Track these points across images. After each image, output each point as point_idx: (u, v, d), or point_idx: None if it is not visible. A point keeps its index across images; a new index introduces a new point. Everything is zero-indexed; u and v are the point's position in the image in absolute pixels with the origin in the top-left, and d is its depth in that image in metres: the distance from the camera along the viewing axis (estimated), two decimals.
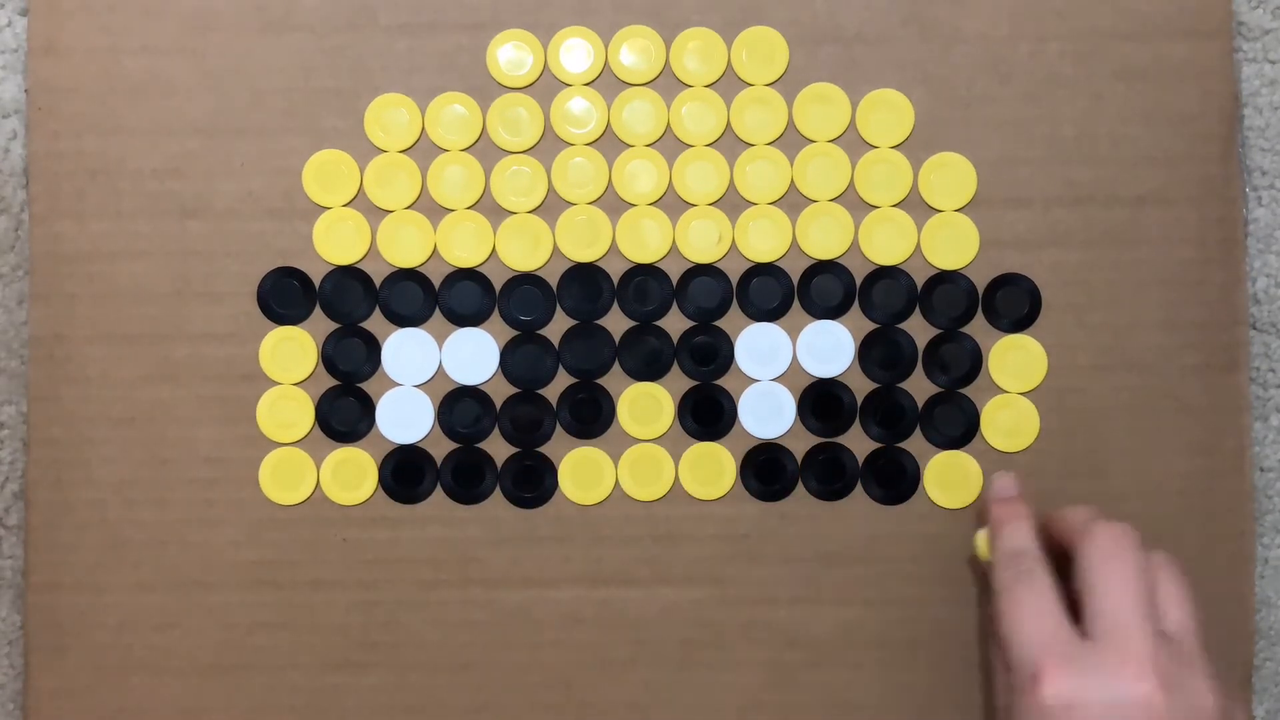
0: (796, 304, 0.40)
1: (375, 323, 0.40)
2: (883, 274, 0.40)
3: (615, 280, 0.40)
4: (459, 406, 0.40)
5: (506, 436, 0.40)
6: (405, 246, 0.40)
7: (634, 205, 0.40)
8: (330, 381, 0.40)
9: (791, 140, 0.40)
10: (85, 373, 0.39)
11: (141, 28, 0.39)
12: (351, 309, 0.40)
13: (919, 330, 0.40)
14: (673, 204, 0.40)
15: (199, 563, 0.40)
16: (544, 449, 0.40)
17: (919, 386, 0.40)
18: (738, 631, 0.40)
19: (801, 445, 0.40)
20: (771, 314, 0.40)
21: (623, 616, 0.40)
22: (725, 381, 0.40)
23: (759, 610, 0.40)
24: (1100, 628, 0.31)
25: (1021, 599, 0.33)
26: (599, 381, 0.40)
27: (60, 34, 0.39)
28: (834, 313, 0.40)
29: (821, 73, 0.40)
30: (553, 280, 0.40)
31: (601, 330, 0.40)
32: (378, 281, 0.40)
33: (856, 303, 0.40)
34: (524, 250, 0.40)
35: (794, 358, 0.40)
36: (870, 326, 0.40)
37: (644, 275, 0.40)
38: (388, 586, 0.40)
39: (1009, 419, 0.40)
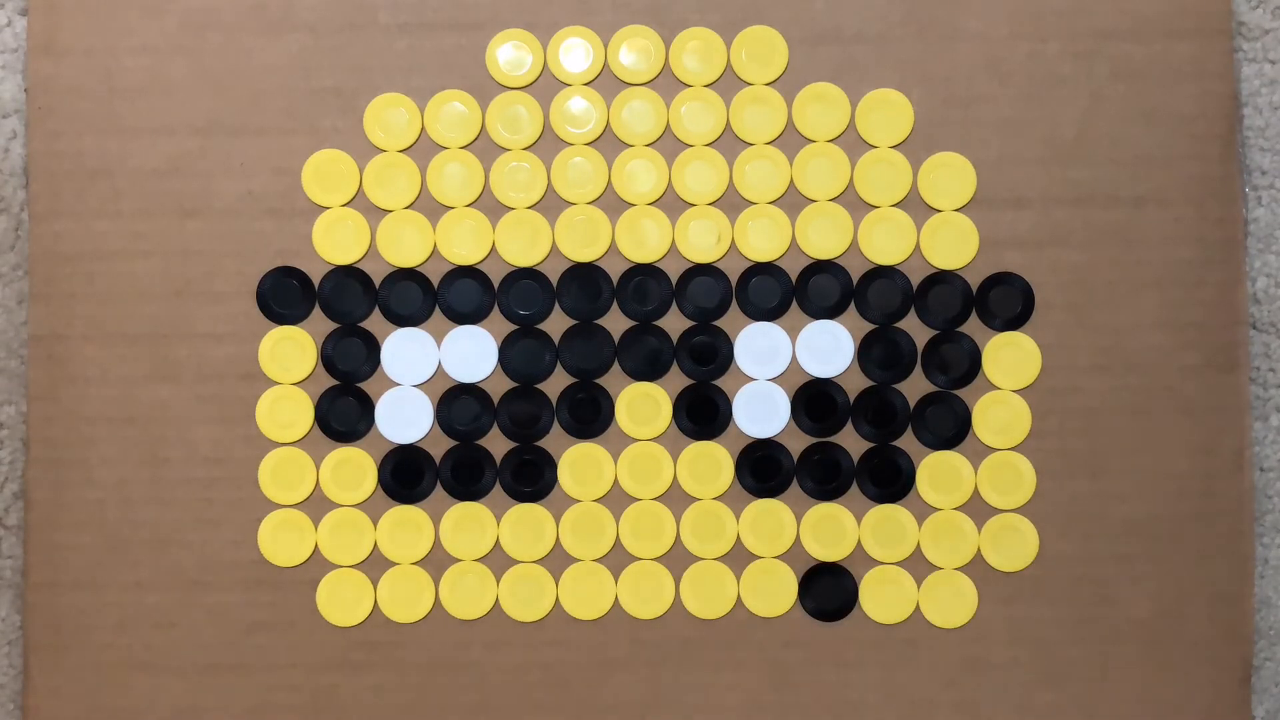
0: (796, 304, 0.40)
1: (375, 322, 0.40)
2: (878, 274, 0.40)
3: (615, 280, 0.40)
4: (458, 404, 0.40)
5: (505, 432, 0.40)
6: (405, 246, 0.40)
7: (633, 205, 0.40)
8: (330, 381, 0.40)
9: (791, 140, 0.40)
10: (85, 372, 0.39)
11: (141, 27, 0.39)
12: (351, 309, 0.40)
13: (916, 330, 0.40)
14: (672, 204, 0.40)
15: (199, 563, 0.40)
16: (543, 443, 0.40)
17: (917, 387, 0.40)
18: (737, 631, 0.40)
19: (797, 444, 0.40)
20: (771, 314, 0.40)
21: (623, 616, 0.40)
22: (724, 381, 0.40)
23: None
24: None
25: None
26: (598, 381, 0.40)
27: (60, 34, 0.39)
28: (831, 312, 0.40)
29: (821, 72, 0.40)
30: (552, 277, 0.40)
31: (601, 330, 0.40)
32: (377, 281, 0.40)
33: (854, 303, 0.40)
34: (523, 246, 0.40)
35: (794, 357, 0.40)
36: (868, 327, 0.40)
37: (643, 275, 0.40)
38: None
39: (1001, 416, 0.40)
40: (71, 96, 0.39)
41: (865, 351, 0.40)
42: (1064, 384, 0.39)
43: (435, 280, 0.40)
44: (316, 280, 0.40)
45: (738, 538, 0.40)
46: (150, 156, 0.39)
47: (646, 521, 0.40)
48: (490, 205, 0.40)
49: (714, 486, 0.40)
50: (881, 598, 0.40)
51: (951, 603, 0.40)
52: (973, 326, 0.40)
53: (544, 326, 0.40)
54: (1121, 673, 0.40)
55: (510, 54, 0.40)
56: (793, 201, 0.40)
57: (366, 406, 0.40)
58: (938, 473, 0.40)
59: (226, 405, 0.40)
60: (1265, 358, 0.41)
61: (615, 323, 0.40)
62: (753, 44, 0.39)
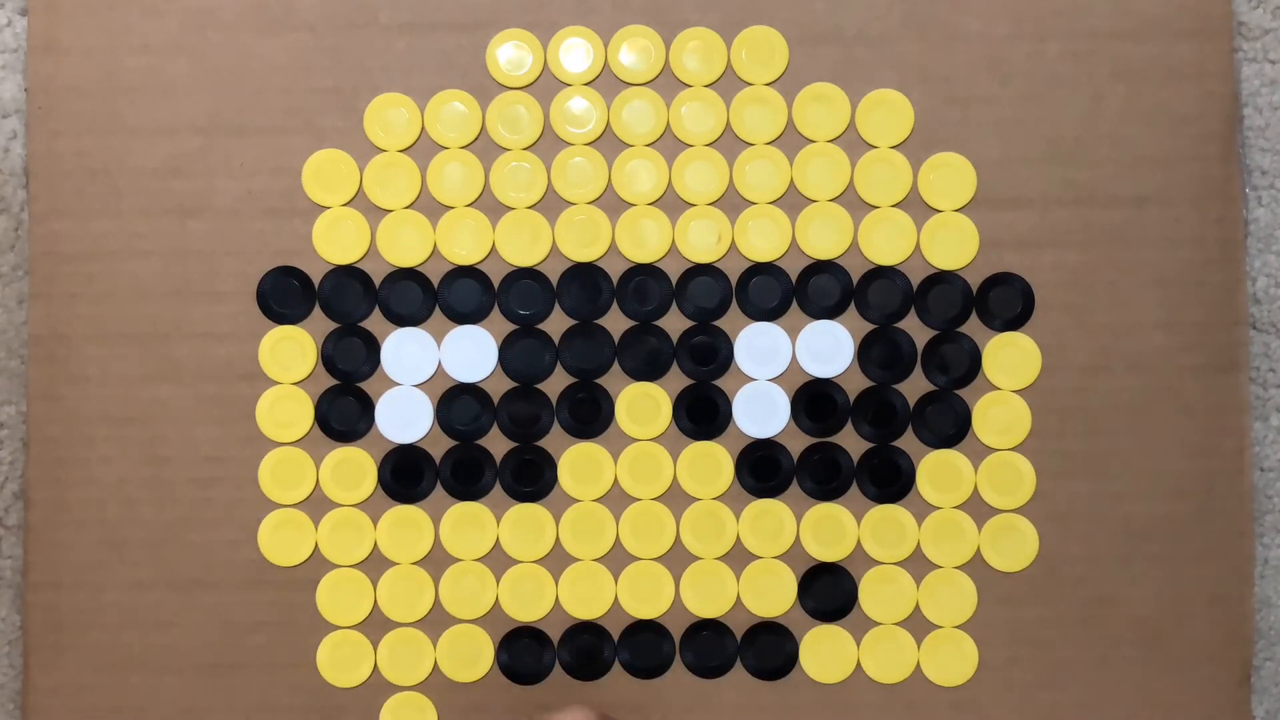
0: (796, 304, 0.40)
1: (375, 322, 0.40)
2: (879, 274, 0.40)
3: (615, 280, 0.40)
4: (457, 404, 0.40)
5: (505, 432, 0.40)
6: (404, 246, 0.40)
7: (633, 205, 0.40)
8: (330, 381, 0.40)
9: (791, 140, 0.40)
10: (85, 372, 0.39)
11: (141, 27, 0.39)
12: (351, 308, 0.40)
13: (916, 330, 0.40)
14: (672, 204, 0.40)
15: (198, 562, 0.40)
16: (542, 443, 0.40)
17: (917, 386, 0.40)
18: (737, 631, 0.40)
19: (797, 444, 0.40)
20: (771, 314, 0.40)
21: (623, 616, 0.40)
22: (724, 381, 0.40)
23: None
24: None
25: None
26: (598, 381, 0.40)
27: (60, 34, 0.39)
28: (831, 312, 0.40)
29: (821, 72, 0.40)
30: (552, 277, 0.40)
31: (601, 330, 0.40)
32: (377, 281, 0.40)
33: (854, 303, 0.40)
34: (523, 246, 0.40)
35: (793, 357, 0.40)
36: (868, 327, 0.40)
37: (643, 275, 0.40)
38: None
39: (1001, 416, 0.40)
40: (71, 96, 0.39)
41: (865, 351, 0.40)
42: (1064, 384, 0.39)
43: (435, 280, 0.40)
44: (316, 280, 0.40)
45: (737, 538, 0.40)
46: (150, 156, 0.39)
47: (646, 521, 0.40)
48: (490, 205, 0.40)
49: (714, 486, 0.40)
50: (881, 597, 0.40)
51: (951, 603, 0.40)
52: (973, 326, 0.40)
53: (544, 326, 0.40)
54: (1121, 673, 0.40)
55: (510, 54, 0.40)
56: (793, 201, 0.40)
57: (366, 406, 0.40)
58: (938, 473, 0.40)
59: (226, 405, 0.40)
60: (1265, 358, 0.41)
61: (615, 323, 0.40)
62: (753, 44, 0.39)
